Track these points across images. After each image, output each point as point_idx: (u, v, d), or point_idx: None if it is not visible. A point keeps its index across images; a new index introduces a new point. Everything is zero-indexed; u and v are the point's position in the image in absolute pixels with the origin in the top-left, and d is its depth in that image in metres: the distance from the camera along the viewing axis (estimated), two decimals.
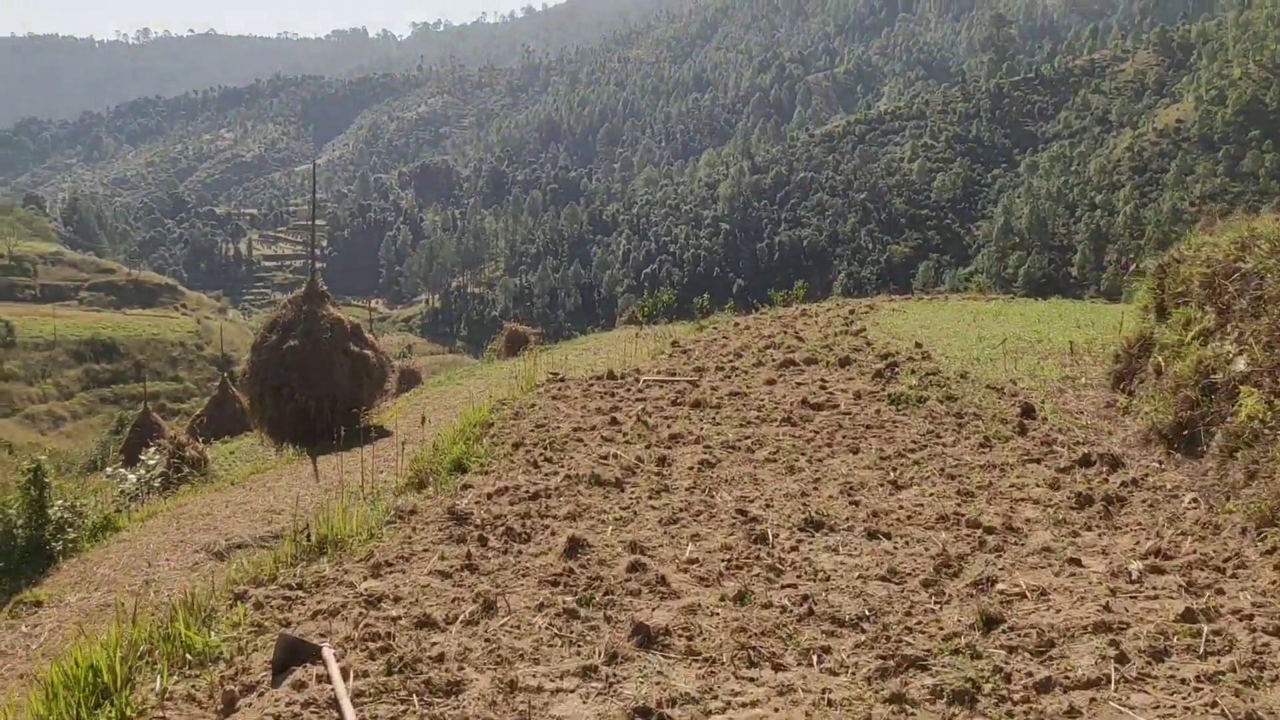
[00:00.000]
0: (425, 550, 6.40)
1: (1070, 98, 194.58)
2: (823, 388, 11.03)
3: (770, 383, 11.60)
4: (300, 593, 5.79)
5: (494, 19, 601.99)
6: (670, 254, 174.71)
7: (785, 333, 16.53)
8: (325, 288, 19.18)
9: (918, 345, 13.62)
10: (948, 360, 12.59)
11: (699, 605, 5.27)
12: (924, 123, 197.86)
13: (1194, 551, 5.72)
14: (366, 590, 5.58)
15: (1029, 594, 5.29)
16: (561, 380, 12.26)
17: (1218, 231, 9.80)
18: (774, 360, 13.21)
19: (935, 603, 5.30)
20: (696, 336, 17.24)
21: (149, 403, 45.34)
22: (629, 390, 11.53)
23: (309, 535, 6.75)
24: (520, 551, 6.34)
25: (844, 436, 8.91)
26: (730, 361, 13.68)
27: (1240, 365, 7.14)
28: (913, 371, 11.52)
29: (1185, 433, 7.65)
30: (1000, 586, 5.43)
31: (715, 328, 18.83)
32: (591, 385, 11.78)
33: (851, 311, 19.73)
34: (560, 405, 10.66)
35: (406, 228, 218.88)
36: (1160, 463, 7.62)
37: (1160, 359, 8.77)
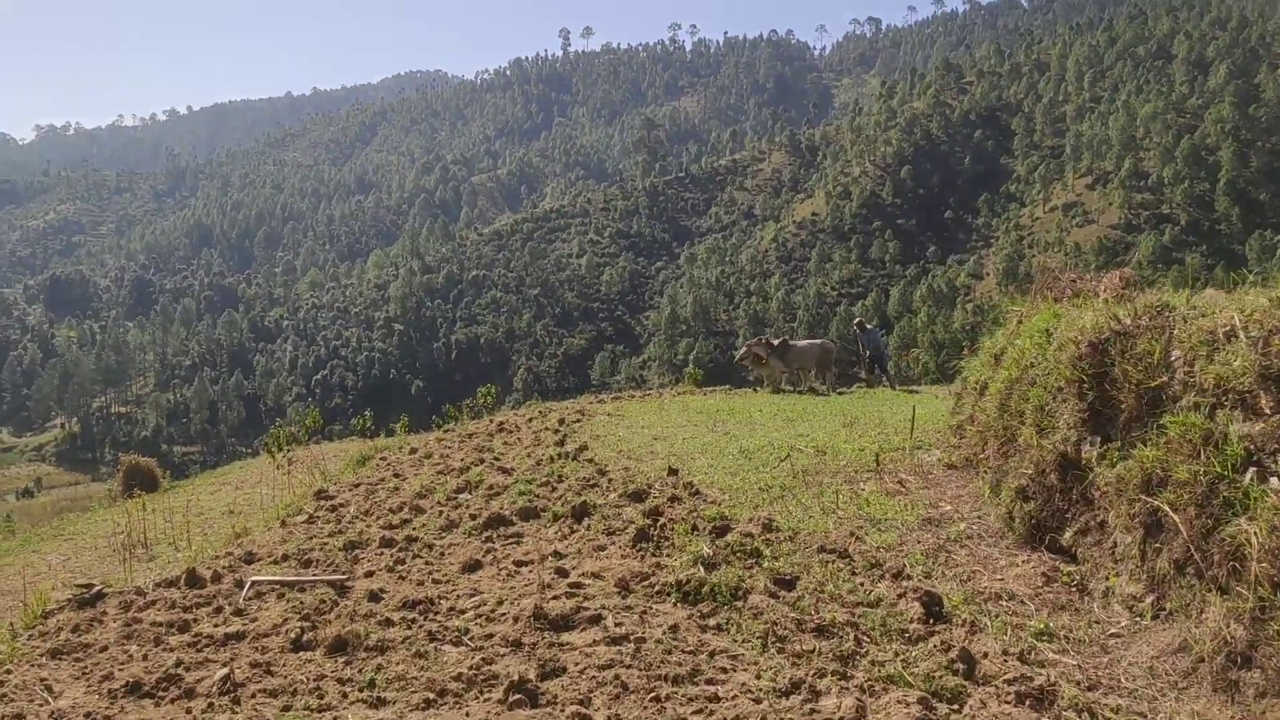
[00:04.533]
0: None
1: (718, 194, 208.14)
2: (561, 574, 6.72)
3: (472, 567, 7.14)
4: None
5: (133, 121, 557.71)
6: (342, 358, 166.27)
7: (482, 459, 12.15)
8: None
9: (672, 472, 9.80)
10: (725, 495, 8.82)
11: None
12: (588, 219, 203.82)
13: None
14: None
15: None
16: (97, 597, 6.96)
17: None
18: (472, 515, 8.80)
19: None
20: (355, 478, 12.30)
21: None
22: (219, 614, 6.45)
23: None
24: None
25: (636, 710, 4.68)
26: (405, 522, 9.07)
27: None
28: (692, 526, 7.59)
29: None
30: None
31: (384, 459, 13.99)
32: (151, 605, 6.62)
33: (561, 421, 15.64)
34: (65, 666, 5.45)
35: (35, 345, 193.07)
36: None
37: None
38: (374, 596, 6.50)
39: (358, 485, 11.20)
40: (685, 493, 8.82)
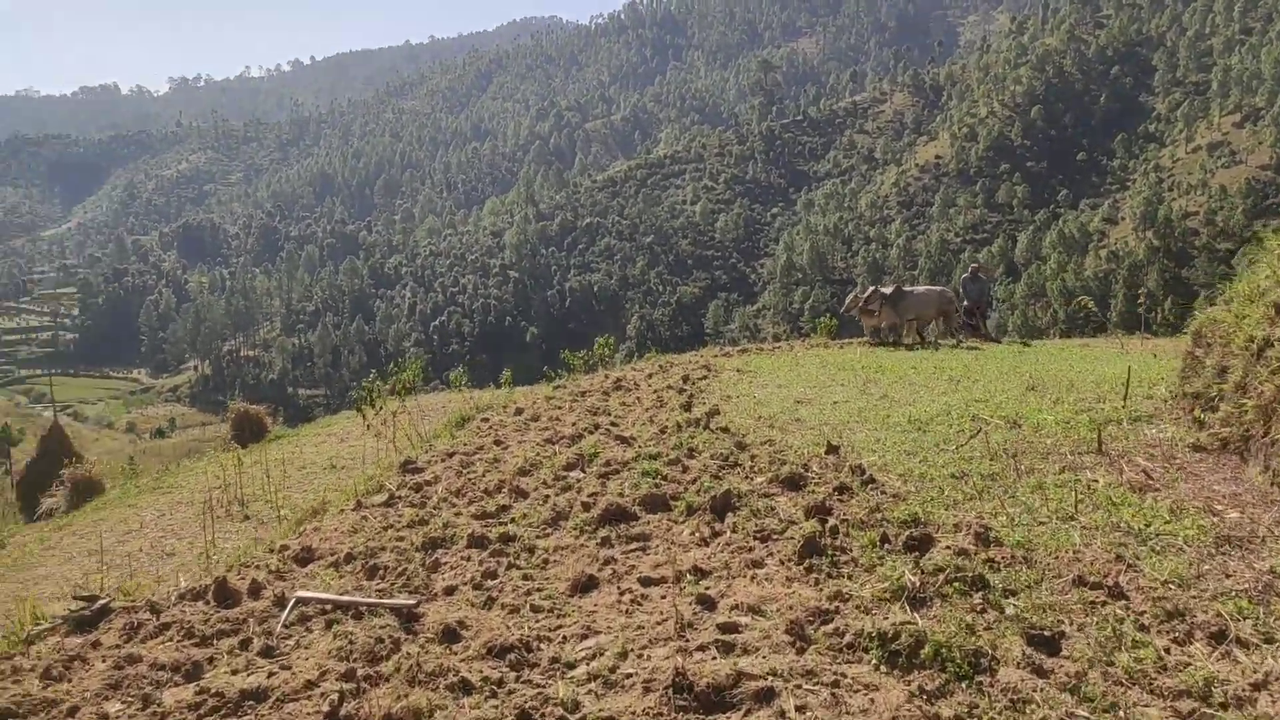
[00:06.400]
0: None
1: (837, 138, 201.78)
2: (705, 604, 4.86)
3: (585, 587, 5.32)
4: None
5: (259, 73, 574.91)
6: (459, 305, 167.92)
7: (597, 425, 10.38)
8: None
9: (831, 449, 7.84)
10: (908, 485, 6.81)
11: None
12: (703, 165, 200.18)
13: None
14: None
15: None
16: (100, 615, 5.29)
17: None
18: (584, 504, 7.00)
19: None
20: (451, 443, 10.54)
21: None
22: (245, 650, 4.84)
23: None
24: None
25: None
26: (502, 510, 7.27)
27: None
28: (880, 536, 5.62)
29: None
30: None
31: (485, 419, 12.27)
32: (163, 632, 4.96)
33: (685, 379, 13.71)
34: None
35: (169, 291, 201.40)
36: None
37: None
38: (450, 633, 4.76)
39: (452, 455, 9.52)
40: (855, 479, 6.83)
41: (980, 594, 4.72)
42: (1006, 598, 4.72)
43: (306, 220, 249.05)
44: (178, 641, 4.80)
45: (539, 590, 5.37)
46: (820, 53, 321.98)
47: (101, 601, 5.43)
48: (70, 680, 4.42)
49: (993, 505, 6.14)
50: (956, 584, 4.82)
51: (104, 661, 4.60)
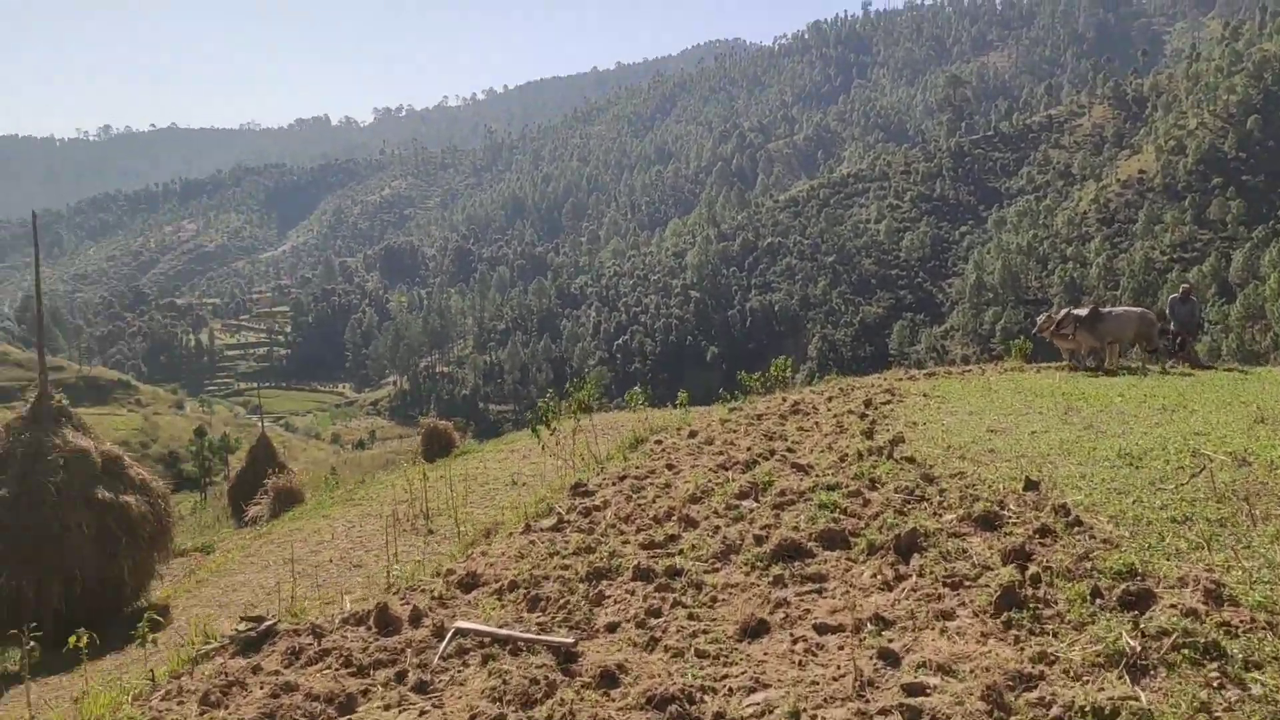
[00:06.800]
0: None
1: (1031, 153, 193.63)
2: (888, 660, 4.32)
3: (754, 631, 4.90)
4: None
5: (456, 102, 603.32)
6: (641, 324, 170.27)
7: (772, 451, 9.94)
8: (65, 401, 12.53)
9: (1030, 485, 7.15)
10: (1120, 529, 6.07)
11: None
12: (887, 184, 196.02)
13: None
14: None
15: None
16: (265, 636, 5.27)
17: None
18: (757, 537, 6.58)
19: None
20: (623, 465, 10.32)
21: None
22: (400, 682, 4.72)
23: None
24: None
25: None
26: (670, 540, 6.95)
27: None
28: (1091, 590, 4.97)
29: None
30: None
31: (659, 442, 12.00)
32: (323, 658, 4.84)
33: (867, 403, 13.05)
34: None
35: (372, 310, 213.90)
36: None
37: None
38: (608, 677, 4.47)
39: (623, 478, 9.30)
40: (1058, 521, 6.15)
41: (1215, 665, 4.05)
42: (1249, 671, 4.03)
43: (498, 242, 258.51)
44: (335, 670, 4.73)
45: (705, 632, 5.02)
46: (1012, 66, 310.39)
47: (267, 623, 5.45)
48: (227, 707, 4.40)
49: (1224, 557, 5.37)
50: (1185, 651, 4.16)
51: (261, 689, 4.56)
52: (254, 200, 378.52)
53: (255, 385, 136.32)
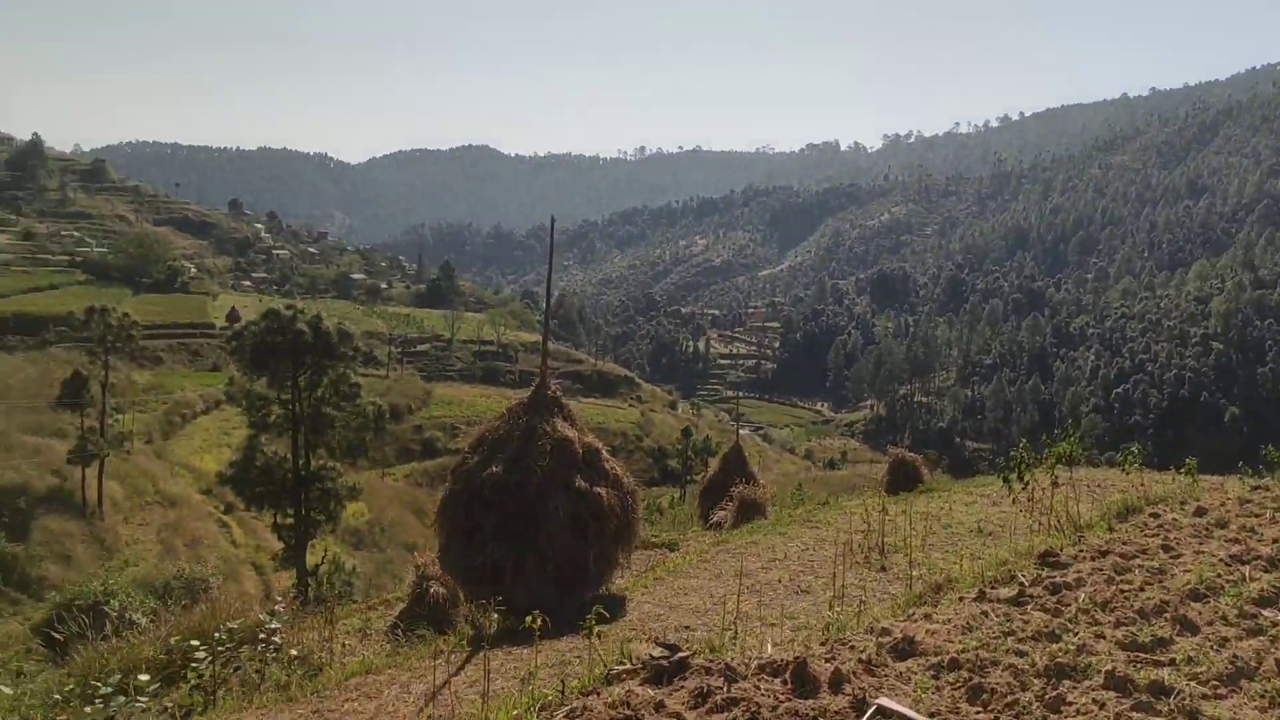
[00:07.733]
0: None
1: None
2: None
3: None
4: None
5: (966, 129, 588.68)
6: (1147, 373, 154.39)
7: None
8: (559, 392, 13.68)
9: None
10: None
11: None
12: None
13: None
14: None
15: None
16: (678, 669, 4.95)
17: None
18: (1278, 661, 5.19)
19: None
20: (1106, 538, 8.84)
21: None
22: None
23: None
24: None
25: None
26: (1158, 644, 5.75)
27: None
28: None
29: None
30: None
31: (1155, 514, 10.21)
32: (728, 708, 4.34)
33: None
34: None
35: (858, 333, 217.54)
36: None
37: None
38: None
39: (1105, 554, 8.02)
40: None
41: None
42: None
43: (994, 274, 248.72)
44: None
45: None
46: None
47: (681, 654, 5.33)
48: None
49: None
50: None
51: None
52: (760, 220, 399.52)
53: (739, 394, 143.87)
